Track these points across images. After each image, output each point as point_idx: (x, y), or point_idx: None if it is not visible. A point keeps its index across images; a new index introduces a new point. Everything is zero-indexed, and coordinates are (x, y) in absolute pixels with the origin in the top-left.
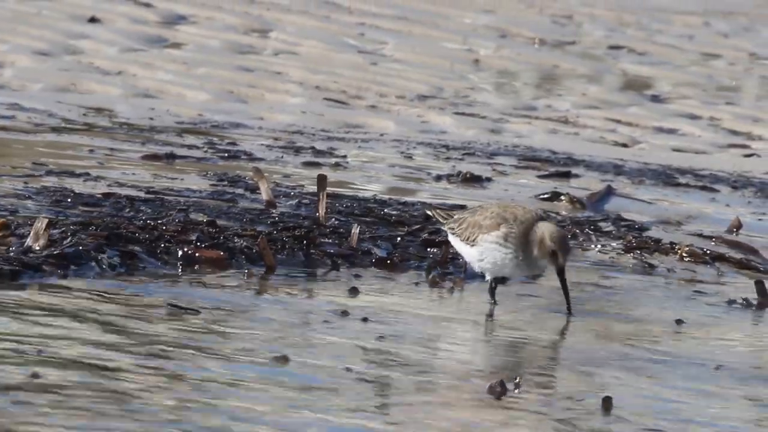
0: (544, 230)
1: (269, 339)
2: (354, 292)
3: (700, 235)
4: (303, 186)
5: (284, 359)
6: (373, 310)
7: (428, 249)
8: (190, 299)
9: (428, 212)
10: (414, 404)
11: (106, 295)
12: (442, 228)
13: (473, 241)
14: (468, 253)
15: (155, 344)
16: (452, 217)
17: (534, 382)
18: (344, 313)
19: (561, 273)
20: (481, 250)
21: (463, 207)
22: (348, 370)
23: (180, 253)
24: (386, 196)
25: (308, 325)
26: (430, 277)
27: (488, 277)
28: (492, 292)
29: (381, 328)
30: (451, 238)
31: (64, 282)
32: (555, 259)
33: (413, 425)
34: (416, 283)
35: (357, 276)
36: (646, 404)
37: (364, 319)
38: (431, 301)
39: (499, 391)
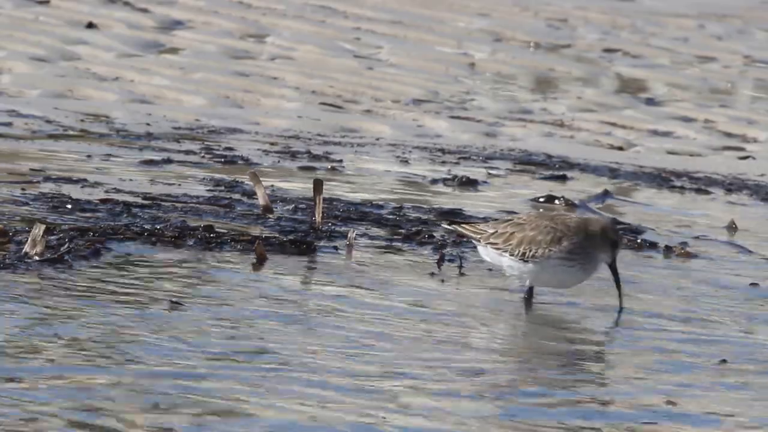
0: (600, 223)
1: None
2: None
3: (697, 238)
4: (299, 191)
5: None
6: None
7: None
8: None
9: (455, 229)
10: None
11: None
12: (477, 244)
13: (531, 257)
14: (519, 268)
15: None
16: (486, 232)
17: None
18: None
19: (614, 263)
20: (541, 266)
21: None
22: None
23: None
24: (382, 201)
25: None
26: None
27: (528, 285)
28: (528, 300)
29: None
30: (492, 253)
31: None
32: (614, 249)
33: None
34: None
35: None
36: None
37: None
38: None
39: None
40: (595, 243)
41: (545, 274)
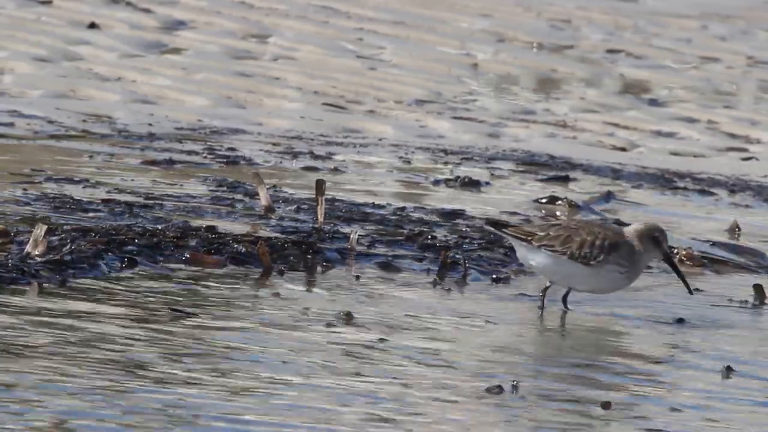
0: (637, 227)
1: None
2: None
3: (697, 240)
4: (302, 191)
5: None
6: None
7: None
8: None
9: (500, 232)
10: None
11: None
12: (523, 245)
13: (594, 260)
14: (574, 271)
15: None
16: (535, 234)
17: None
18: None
19: (668, 258)
20: (596, 271)
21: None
22: None
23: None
24: (384, 201)
25: None
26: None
27: (566, 287)
28: (563, 299)
29: None
30: (542, 255)
31: None
32: (659, 246)
33: None
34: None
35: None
36: None
37: None
38: None
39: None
40: (643, 248)
41: (598, 279)
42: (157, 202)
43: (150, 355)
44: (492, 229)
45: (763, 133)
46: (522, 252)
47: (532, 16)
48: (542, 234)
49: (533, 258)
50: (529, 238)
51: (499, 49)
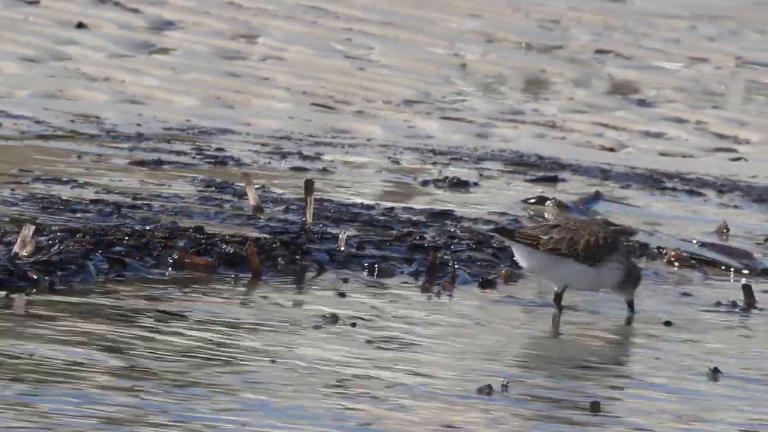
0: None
1: None
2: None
3: (687, 240)
4: (290, 191)
5: None
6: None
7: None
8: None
9: (511, 239)
10: None
11: None
12: (529, 250)
13: (599, 261)
14: (580, 271)
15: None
16: (539, 238)
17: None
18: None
19: None
20: (600, 271)
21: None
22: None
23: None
24: (373, 201)
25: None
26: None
27: (558, 290)
28: (558, 299)
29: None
30: (548, 258)
31: None
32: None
33: None
34: None
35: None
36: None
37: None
38: None
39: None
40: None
41: (603, 277)
42: (145, 202)
43: (138, 356)
44: (502, 237)
45: (751, 134)
46: (527, 257)
47: (521, 17)
48: (546, 238)
49: (540, 262)
50: (536, 243)
51: (488, 50)
